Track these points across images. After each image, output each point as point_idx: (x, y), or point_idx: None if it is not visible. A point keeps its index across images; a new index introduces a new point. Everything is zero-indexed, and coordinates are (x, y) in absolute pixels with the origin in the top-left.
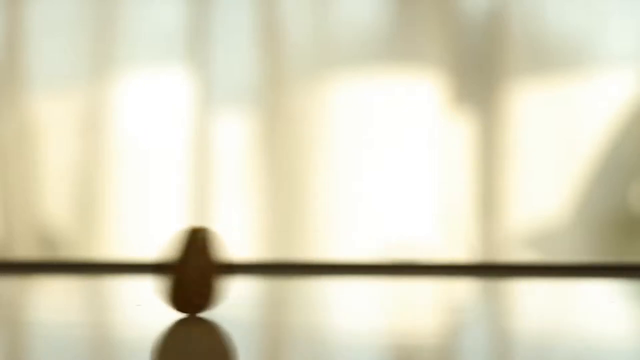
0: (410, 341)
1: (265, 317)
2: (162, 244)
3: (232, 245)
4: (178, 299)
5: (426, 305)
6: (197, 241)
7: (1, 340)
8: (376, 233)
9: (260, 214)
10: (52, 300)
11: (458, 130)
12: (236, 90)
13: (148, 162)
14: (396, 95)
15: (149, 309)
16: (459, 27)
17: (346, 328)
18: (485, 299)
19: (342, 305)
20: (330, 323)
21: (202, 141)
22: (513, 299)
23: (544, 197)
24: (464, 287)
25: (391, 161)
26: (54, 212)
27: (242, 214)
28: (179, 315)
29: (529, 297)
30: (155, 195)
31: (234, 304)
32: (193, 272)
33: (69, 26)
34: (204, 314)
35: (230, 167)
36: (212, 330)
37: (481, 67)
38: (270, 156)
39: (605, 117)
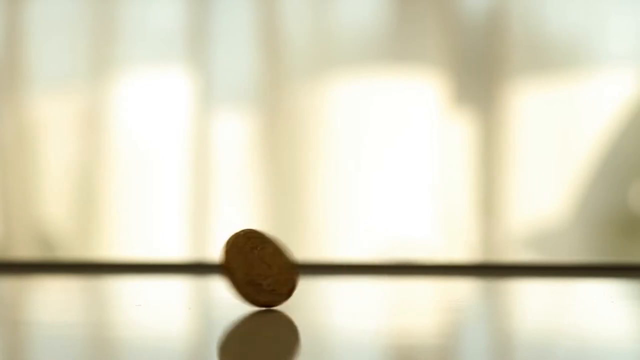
0: (410, 341)
1: (264, 317)
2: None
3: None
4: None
5: (426, 305)
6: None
7: (1, 340)
8: (376, 233)
9: (260, 213)
10: (52, 300)
11: (458, 130)
12: (236, 90)
13: (148, 162)
14: (396, 95)
15: (149, 309)
16: (459, 27)
17: (346, 328)
18: (485, 299)
19: (342, 305)
20: (330, 323)
21: (201, 141)
22: (513, 299)
23: (544, 197)
24: (464, 287)
25: (391, 161)
26: (53, 212)
27: (242, 213)
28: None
29: (529, 297)
30: (155, 195)
31: (234, 304)
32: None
33: (69, 26)
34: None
35: (230, 166)
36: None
37: (481, 67)
38: (270, 156)
39: (605, 117)
